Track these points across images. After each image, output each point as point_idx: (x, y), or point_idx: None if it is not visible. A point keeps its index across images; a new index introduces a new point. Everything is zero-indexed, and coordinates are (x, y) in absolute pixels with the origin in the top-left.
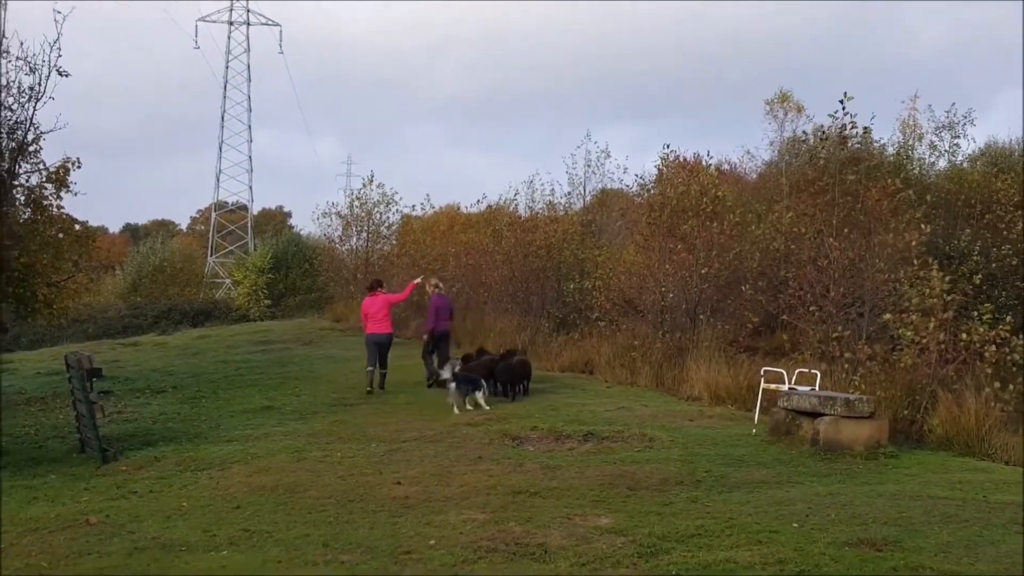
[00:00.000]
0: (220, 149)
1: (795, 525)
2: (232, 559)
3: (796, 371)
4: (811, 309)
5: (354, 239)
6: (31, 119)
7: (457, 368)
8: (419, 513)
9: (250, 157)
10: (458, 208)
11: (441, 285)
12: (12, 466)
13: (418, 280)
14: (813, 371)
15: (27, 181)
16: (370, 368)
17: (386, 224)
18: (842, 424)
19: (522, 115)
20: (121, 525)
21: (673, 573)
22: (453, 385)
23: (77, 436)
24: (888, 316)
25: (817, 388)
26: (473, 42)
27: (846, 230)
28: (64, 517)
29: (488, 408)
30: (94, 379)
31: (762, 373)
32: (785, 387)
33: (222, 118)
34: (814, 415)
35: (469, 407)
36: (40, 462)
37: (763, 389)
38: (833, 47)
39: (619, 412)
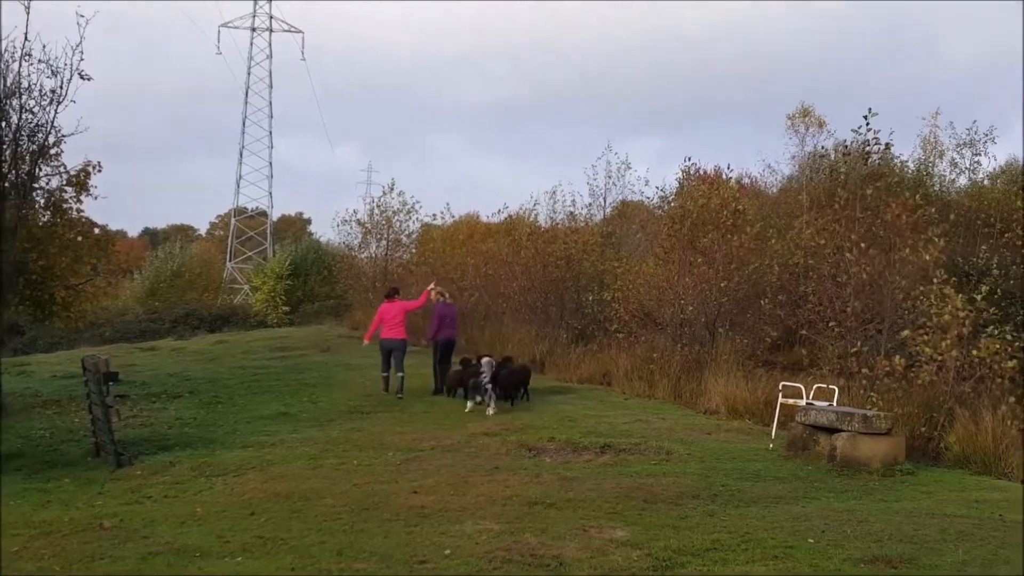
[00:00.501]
0: (241, 155)
1: (811, 541)
2: (246, 566)
3: (814, 386)
4: (830, 324)
5: (373, 247)
6: (52, 122)
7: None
8: (435, 523)
9: (270, 163)
10: (478, 217)
11: (446, 294)
12: (26, 469)
13: (431, 286)
14: (831, 386)
15: (47, 184)
16: (385, 373)
17: (406, 232)
18: (859, 440)
19: (546, 125)
20: (135, 530)
21: None
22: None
23: (92, 440)
24: (906, 332)
25: (835, 403)
26: (499, 51)
27: (864, 245)
28: (77, 521)
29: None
30: (110, 383)
31: (780, 388)
32: (803, 402)
33: (243, 124)
34: (831, 431)
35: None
36: (54, 465)
37: (781, 404)
38: (856, 62)
39: (636, 424)
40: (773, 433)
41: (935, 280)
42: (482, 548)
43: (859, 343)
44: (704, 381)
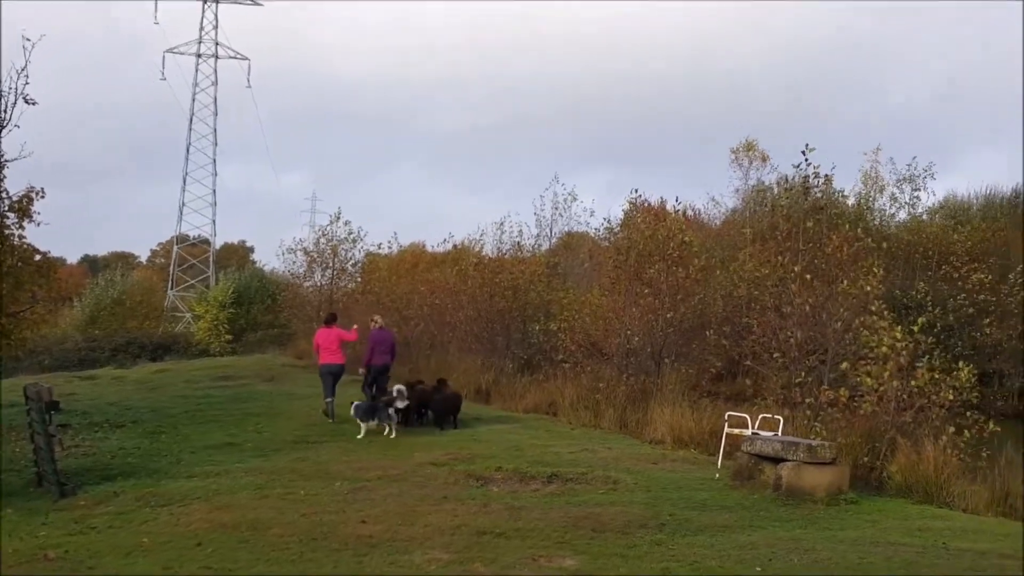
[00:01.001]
0: (184, 182)
1: (758, 569)
2: None
3: (759, 416)
4: (774, 355)
5: (318, 275)
6: None
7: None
8: (384, 552)
9: (214, 191)
10: (423, 247)
11: (379, 320)
12: None
13: (356, 328)
14: (776, 416)
15: None
16: (328, 399)
17: (351, 262)
18: (804, 470)
19: (495, 157)
20: (80, 561)
21: None
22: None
23: (34, 470)
24: (845, 364)
25: (780, 433)
26: (451, 81)
27: (808, 276)
28: (22, 552)
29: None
30: (51, 412)
31: (726, 417)
32: (748, 432)
33: (187, 150)
34: (777, 460)
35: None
36: None
37: (727, 434)
38: (800, 96)
39: (583, 454)
40: (719, 463)
41: (873, 311)
42: None
43: (803, 373)
44: (650, 411)
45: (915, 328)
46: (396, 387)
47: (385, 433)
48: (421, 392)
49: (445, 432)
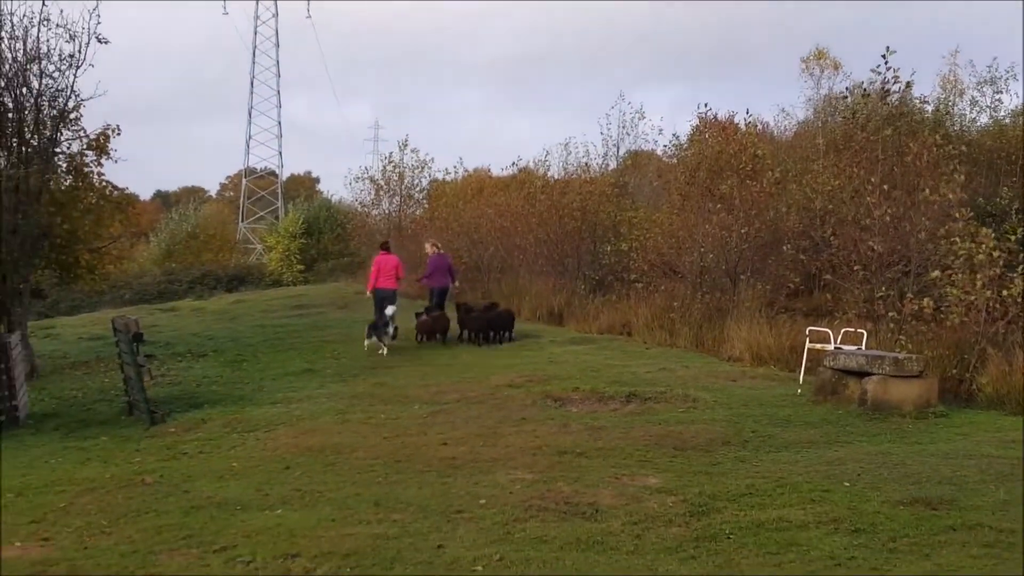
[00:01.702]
0: (250, 115)
1: (847, 484)
2: (287, 517)
3: (842, 331)
4: (854, 268)
5: (385, 203)
6: (71, 87)
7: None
8: (467, 473)
9: (279, 123)
10: (488, 171)
11: (439, 245)
12: (63, 428)
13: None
14: (859, 330)
15: (68, 148)
16: (376, 320)
17: (418, 188)
18: (890, 383)
19: (562, 79)
20: (175, 485)
21: (726, 532)
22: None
23: (125, 399)
24: (936, 273)
25: (863, 347)
26: (513, 4)
27: (887, 187)
28: (119, 477)
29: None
30: (138, 343)
31: (807, 333)
32: (830, 347)
33: (251, 84)
34: (861, 374)
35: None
36: (89, 424)
37: (808, 349)
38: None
39: (660, 373)
40: (801, 379)
41: (959, 218)
42: (517, 497)
43: (884, 287)
44: (726, 328)
45: (1011, 238)
46: (389, 307)
47: (379, 352)
48: (467, 312)
49: (501, 346)
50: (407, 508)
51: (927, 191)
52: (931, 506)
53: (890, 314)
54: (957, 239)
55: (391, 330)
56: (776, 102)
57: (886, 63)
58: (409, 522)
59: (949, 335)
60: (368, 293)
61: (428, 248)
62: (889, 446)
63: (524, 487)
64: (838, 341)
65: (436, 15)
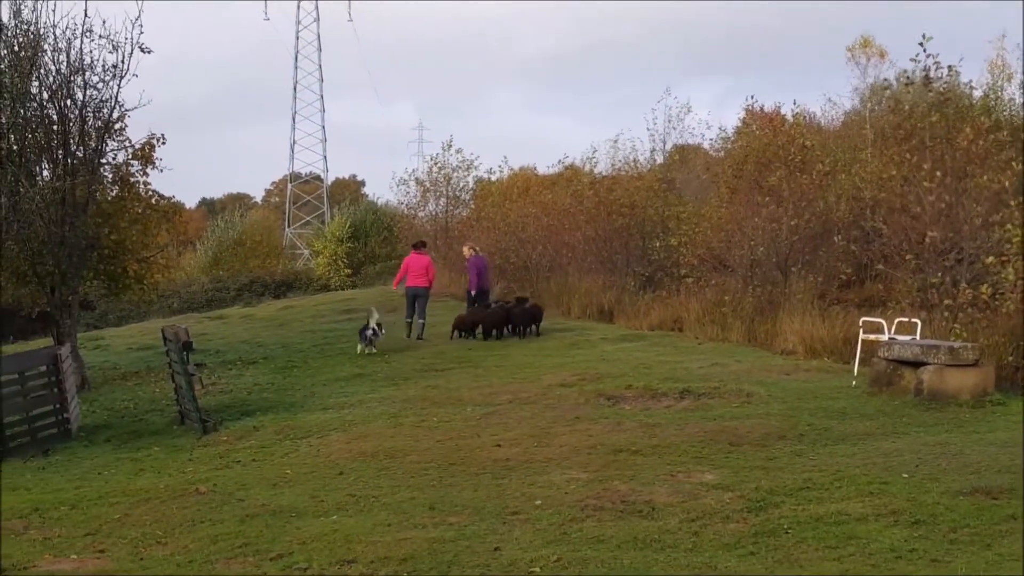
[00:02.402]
0: (294, 120)
1: (905, 475)
2: (343, 523)
3: (896, 320)
4: (907, 257)
5: (432, 204)
6: (115, 97)
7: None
8: (522, 474)
9: (323, 127)
10: (534, 170)
11: (477, 248)
12: (115, 439)
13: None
14: (913, 320)
15: (114, 159)
16: (408, 319)
17: (464, 189)
18: (946, 373)
19: (604, 75)
20: (230, 493)
21: (785, 527)
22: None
23: (176, 408)
24: (991, 259)
25: (917, 337)
26: (554, 4)
27: (939, 173)
28: (173, 487)
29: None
30: (188, 352)
31: (860, 324)
32: (884, 337)
33: (294, 89)
34: (916, 364)
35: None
36: (141, 435)
37: (862, 340)
38: None
39: (713, 368)
40: (855, 370)
41: (1013, 204)
42: (572, 497)
43: (939, 274)
44: (779, 322)
45: None
46: (372, 308)
47: (358, 351)
48: (500, 308)
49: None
50: (462, 511)
51: (985, 177)
52: (991, 495)
53: (945, 302)
54: (1010, 226)
55: (369, 332)
56: (820, 91)
57: (924, 50)
58: (465, 525)
59: (1004, 322)
60: (395, 288)
61: (466, 251)
62: (947, 436)
63: (579, 487)
64: (892, 331)
65: (479, 13)
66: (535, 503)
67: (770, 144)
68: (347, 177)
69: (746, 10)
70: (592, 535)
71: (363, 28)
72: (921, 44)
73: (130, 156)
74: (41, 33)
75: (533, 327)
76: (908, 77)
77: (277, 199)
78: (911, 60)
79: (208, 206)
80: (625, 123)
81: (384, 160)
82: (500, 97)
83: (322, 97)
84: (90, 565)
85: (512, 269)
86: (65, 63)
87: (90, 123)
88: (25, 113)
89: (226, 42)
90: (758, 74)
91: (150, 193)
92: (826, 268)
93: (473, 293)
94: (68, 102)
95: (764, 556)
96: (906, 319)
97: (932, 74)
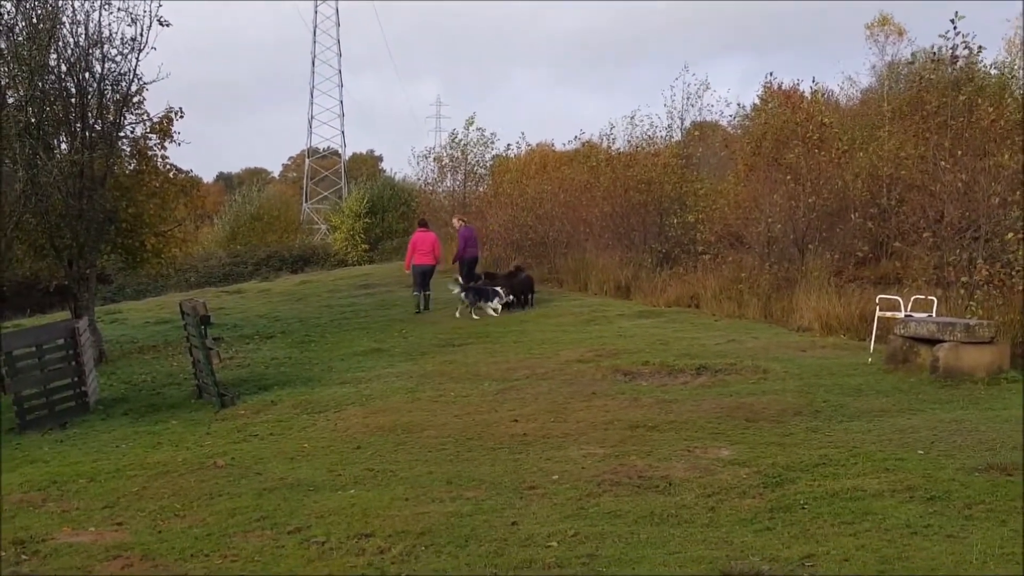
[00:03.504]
0: (311, 96)
1: (920, 452)
2: (361, 497)
3: (912, 298)
4: (924, 235)
5: (449, 180)
6: (134, 70)
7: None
8: (539, 449)
9: (341, 102)
10: (551, 146)
11: (465, 219)
12: (133, 412)
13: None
14: (930, 298)
15: (132, 132)
16: (416, 292)
17: (482, 165)
18: (962, 350)
19: (627, 55)
20: (247, 467)
21: (801, 502)
22: (463, 294)
23: (194, 382)
24: (1010, 236)
25: (933, 314)
26: None
27: (960, 152)
28: (190, 461)
29: (496, 314)
30: (206, 326)
31: (877, 301)
32: (900, 315)
33: (312, 64)
34: (932, 342)
35: (475, 316)
36: (159, 408)
37: (878, 317)
38: None
39: (729, 345)
40: (871, 347)
41: None
42: (589, 472)
43: (957, 252)
44: (795, 298)
45: None
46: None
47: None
48: (502, 279)
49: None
50: (480, 485)
51: (1007, 155)
52: (1006, 472)
53: (961, 280)
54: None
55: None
56: (838, 69)
57: (955, 28)
58: (482, 499)
59: (1020, 300)
60: (407, 270)
61: (456, 222)
62: (962, 413)
63: (596, 462)
64: (908, 309)
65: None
66: (552, 478)
67: (788, 121)
68: (365, 152)
69: None
70: (609, 510)
71: (386, 4)
72: (953, 22)
73: (148, 130)
74: (60, 5)
75: (529, 296)
76: (936, 53)
77: (294, 174)
78: (940, 36)
79: (226, 180)
80: (647, 101)
81: (403, 136)
82: (523, 75)
83: (340, 72)
84: (108, 538)
85: (530, 245)
86: (84, 35)
87: (108, 96)
88: (43, 86)
89: (246, 19)
90: (780, 52)
91: (168, 167)
92: (843, 245)
93: (459, 262)
94: (86, 75)
95: (780, 531)
96: (922, 296)
97: (959, 53)
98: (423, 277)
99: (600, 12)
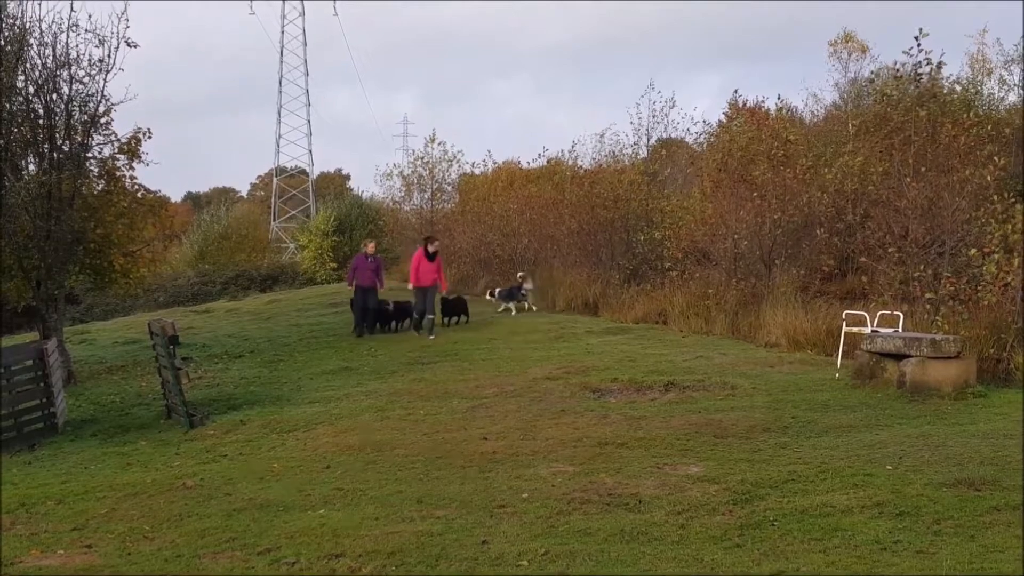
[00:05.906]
0: (279, 114)
1: (889, 467)
2: (331, 517)
3: (878, 313)
4: (889, 250)
5: (416, 198)
6: (102, 91)
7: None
8: (508, 467)
9: (308, 121)
10: (517, 164)
11: (372, 245)
12: (101, 434)
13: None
14: (896, 312)
15: (100, 153)
16: (430, 316)
17: (447, 182)
18: (928, 365)
19: (596, 70)
20: (216, 488)
21: (771, 519)
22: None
23: (163, 402)
24: (974, 252)
25: (900, 330)
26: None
27: (923, 168)
28: (160, 482)
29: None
30: (174, 346)
31: (844, 316)
32: (867, 330)
33: (279, 83)
34: (899, 357)
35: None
36: (128, 429)
37: (844, 333)
38: None
39: (697, 361)
40: (838, 363)
41: (996, 200)
42: (559, 490)
43: (921, 267)
44: (762, 314)
45: None
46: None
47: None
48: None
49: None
50: (450, 504)
51: (968, 172)
52: (974, 487)
53: (927, 295)
54: (993, 221)
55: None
56: (802, 86)
57: (919, 45)
58: (452, 518)
59: (985, 315)
60: (411, 287)
61: (364, 247)
62: (929, 428)
63: (566, 480)
64: (874, 324)
65: (470, 7)
66: (522, 496)
67: (754, 138)
68: (332, 171)
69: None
70: (579, 528)
71: (354, 22)
72: (916, 39)
73: (116, 150)
74: (27, 27)
75: (461, 316)
76: (898, 70)
77: (262, 193)
78: (904, 53)
79: (194, 200)
80: (618, 117)
81: (371, 154)
82: (494, 90)
83: (307, 92)
84: (77, 560)
85: (498, 263)
86: (51, 57)
87: (76, 117)
88: (11, 107)
89: (213, 37)
90: (751, 69)
91: (136, 187)
92: (809, 261)
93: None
94: (54, 96)
95: (750, 548)
96: (888, 312)
97: (922, 69)
98: (424, 296)
99: (570, 30)
